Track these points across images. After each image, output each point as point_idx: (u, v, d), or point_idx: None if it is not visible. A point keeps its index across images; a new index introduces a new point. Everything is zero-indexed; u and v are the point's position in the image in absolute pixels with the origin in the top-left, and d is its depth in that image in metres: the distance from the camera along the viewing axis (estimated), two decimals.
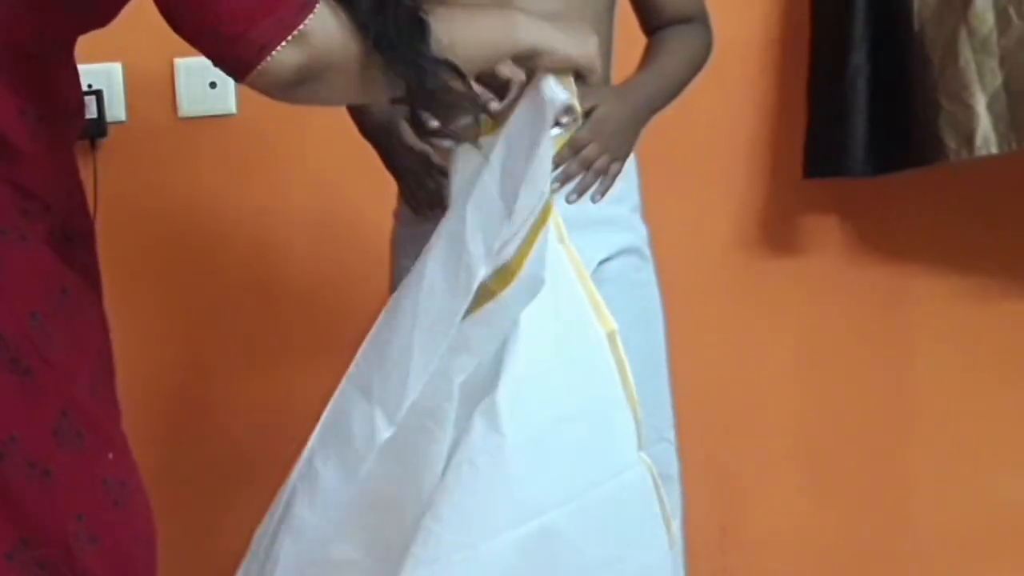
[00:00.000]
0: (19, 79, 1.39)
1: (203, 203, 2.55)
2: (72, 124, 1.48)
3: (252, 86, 1.41)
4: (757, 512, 2.65)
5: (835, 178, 2.48)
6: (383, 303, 2.04)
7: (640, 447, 1.62)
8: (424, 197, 1.90)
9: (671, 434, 1.93)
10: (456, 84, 1.48)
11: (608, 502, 1.60)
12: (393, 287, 1.99)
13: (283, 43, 1.37)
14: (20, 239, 1.38)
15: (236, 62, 1.39)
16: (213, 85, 2.48)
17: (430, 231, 1.89)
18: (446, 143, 1.75)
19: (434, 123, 1.85)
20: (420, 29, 1.44)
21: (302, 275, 2.58)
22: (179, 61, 2.47)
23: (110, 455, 1.44)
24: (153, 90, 2.48)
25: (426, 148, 1.86)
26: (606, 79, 1.93)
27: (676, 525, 1.83)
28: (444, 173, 1.88)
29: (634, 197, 1.94)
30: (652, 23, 2.01)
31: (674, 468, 1.91)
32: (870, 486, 2.65)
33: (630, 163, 1.90)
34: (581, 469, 1.59)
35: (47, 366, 1.38)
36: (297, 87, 1.40)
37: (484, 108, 1.60)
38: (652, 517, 1.64)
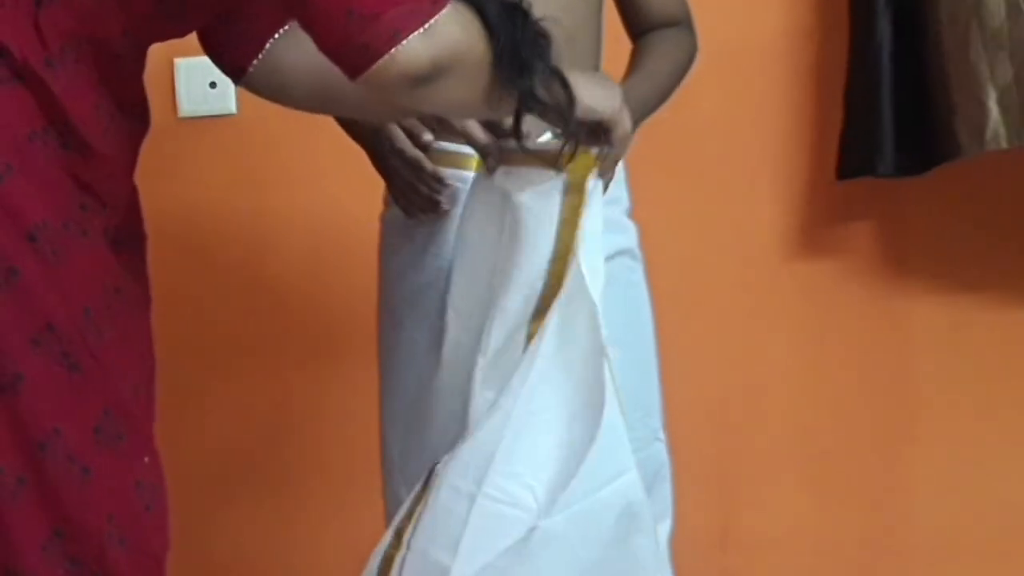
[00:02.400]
0: (100, 74, 1.40)
1: (202, 203, 2.56)
2: (138, 127, 1.49)
3: (371, 81, 1.37)
4: (757, 512, 2.65)
5: (866, 178, 2.44)
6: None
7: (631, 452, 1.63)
8: (416, 200, 1.90)
9: (663, 434, 1.93)
10: (561, 97, 1.47)
11: (603, 505, 1.60)
12: (382, 290, 2.00)
13: (416, 32, 1.35)
14: (82, 234, 1.39)
15: (363, 49, 1.35)
16: (213, 85, 2.48)
17: (418, 234, 1.90)
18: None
19: (428, 136, 1.86)
20: (545, 40, 1.45)
21: (301, 275, 2.58)
22: (179, 61, 2.47)
23: (146, 459, 1.45)
24: (153, 90, 2.41)
25: (418, 154, 1.87)
26: None
27: (667, 524, 1.84)
28: (436, 179, 1.88)
29: (625, 199, 1.95)
30: (638, 26, 2.00)
31: (667, 467, 1.92)
32: (870, 486, 2.65)
33: (620, 166, 1.90)
34: (583, 470, 1.58)
35: (96, 363, 1.39)
36: (418, 85, 1.38)
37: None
38: (645, 519, 1.64)
